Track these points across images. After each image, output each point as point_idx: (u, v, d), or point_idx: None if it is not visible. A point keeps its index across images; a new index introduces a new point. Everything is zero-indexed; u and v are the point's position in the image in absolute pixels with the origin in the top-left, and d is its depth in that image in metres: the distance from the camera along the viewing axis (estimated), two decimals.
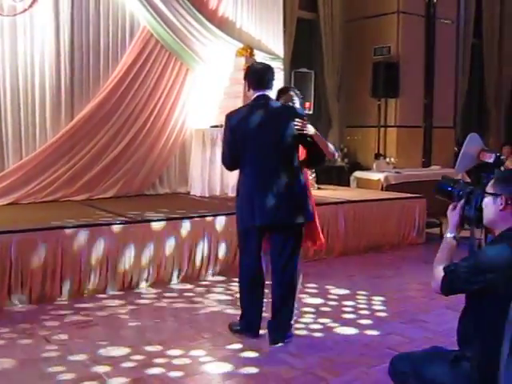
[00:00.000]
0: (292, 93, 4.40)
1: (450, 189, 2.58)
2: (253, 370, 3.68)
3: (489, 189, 2.35)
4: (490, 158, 2.50)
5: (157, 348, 3.99)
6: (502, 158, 2.55)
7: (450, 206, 2.52)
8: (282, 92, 4.43)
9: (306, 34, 10.61)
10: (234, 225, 4.33)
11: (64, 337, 4.21)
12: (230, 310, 4.79)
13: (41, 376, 3.55)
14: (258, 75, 4.13)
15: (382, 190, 8.87)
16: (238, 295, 4.41)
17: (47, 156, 6.82)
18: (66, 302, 5.01)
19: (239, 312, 4.27)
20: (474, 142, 2.57)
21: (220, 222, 5.91)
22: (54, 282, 5.04)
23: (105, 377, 3.53)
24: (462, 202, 2.47)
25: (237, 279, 4.36)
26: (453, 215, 2.50)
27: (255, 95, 4.10)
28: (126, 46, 7.46)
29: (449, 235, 2.49)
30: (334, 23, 10.57)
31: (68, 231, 5.14)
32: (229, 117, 4.07)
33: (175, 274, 5.62)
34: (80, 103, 7.11)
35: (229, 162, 4.16)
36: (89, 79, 7.19)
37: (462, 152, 2.59)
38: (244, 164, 4.05)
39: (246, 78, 4.18)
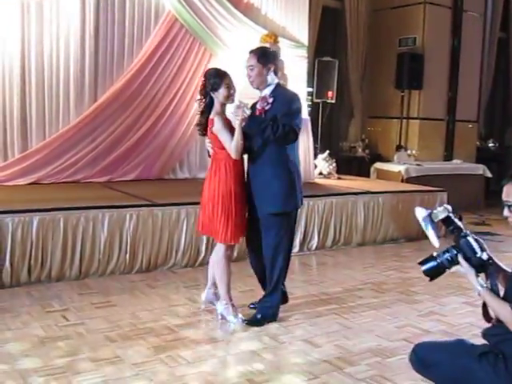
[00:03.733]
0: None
1: (436, 263, 2.45)
2: (269, 356, 3.70)
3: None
4: (442, 215, 2.46)
5: (172, 330, 4.04)
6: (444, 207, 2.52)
7: (460, 269, 2.42)
8: (222, 78, 4.11)
9: (331, 22, 10.54)
10: None
11: (82, 315, 4.27)
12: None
13: (59, 354, 3.59)
14: (277, 60, 4.21)
15: (402, 182, 8.83)
16: None
17: (70, 137, 6.85)
18: (85, 282, 5.08)
19: None
20: (421, 213, 2.52)
21: None
22: (73, 262, 5.11)
23: (121, 356, 3.58)
24: (461, 258, 2.38)
25: None
26: (466, 274, 2.38)
27: (277, 80, 4.19)
28: (151, 30, 7.44)
29: (480, 290, 2.34)
30: (360, 12, 10.50)
31: (88, 212, 5.19)
32: (299, 99, 4.16)
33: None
34: (103, 86, 7.13)
35: (296, 139, 4.11)
36: (112, 62, 7.19)
37: (426, 231, 2.54)
38: (293, 146, 4.14)
39: (272, 61, 4.15)
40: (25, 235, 4.88)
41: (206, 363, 3.58)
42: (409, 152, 9.87)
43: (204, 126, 4.16)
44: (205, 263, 5.69)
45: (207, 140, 4.20)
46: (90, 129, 6.99)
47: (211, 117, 4.08)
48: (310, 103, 9.06)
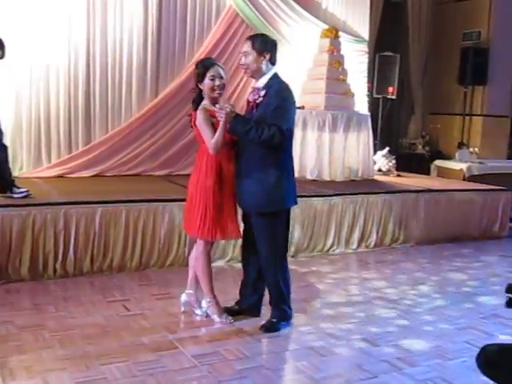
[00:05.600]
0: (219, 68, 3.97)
1: None
2: (327, 354, 3.68)
3: None
4: None
5: (231, 323, 4.06)
6: None
7: None
8: (206, 69, 3.92)
9: (392, 16, 10.33)
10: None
11: (143, 306, 4.35)
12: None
13: (120, 343, 3.68)
14: (276, 49, 3.98)
15: (463, 180, 8.62)
16: None
17: (132, 131, 6.99)
18: (145, 273, 5.17)
19: None
20: None
21: None
22: (134, 253, 5.21)
23: (180, 347, 3.63)
24: None
25: None
26: None
27: (274, 71, 3.93)
28: (212, 25, 7.51)
29: None
30: (423, 6, 10.29)
31: (149, 205, 5.28)
32: (291, 91, 3.93)
33: None
34: (165, 80, 7.23)
35: (290, 137, 3.89)
36: (174, 57, 7.28)
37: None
38: (287, 141, 3.92)
39: (269, 49, 3.88)
40: (88, 226, 5.01)
41: (263, 358, 3.60)
42: (471, 149, 9.61)
43: (190, 118, 4.00)
44: None
45: None
46: (152, 123, 7.11)
47: (197, 111, 3.90)
48: (369, 99, 8.95)
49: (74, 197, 5.27)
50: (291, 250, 5.93)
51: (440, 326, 4.25)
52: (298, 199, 5.83)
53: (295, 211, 5.89)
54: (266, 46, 3.89)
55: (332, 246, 6.20)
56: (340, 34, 7.97)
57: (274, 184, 3.85)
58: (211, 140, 3.80)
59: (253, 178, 3.86)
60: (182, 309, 4.22)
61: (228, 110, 3.69)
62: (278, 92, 3.83)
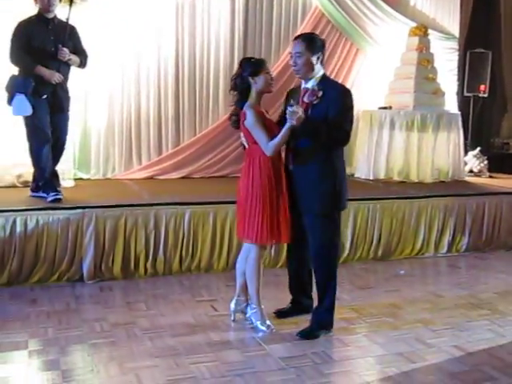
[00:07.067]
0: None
1: None
2: (417, 360, 3.58)
3: None
4: None
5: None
6: None
7: None
8: (262, 64, 3.87)
9: (484, 11, 9.94)
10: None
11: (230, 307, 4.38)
12: None
13: (209, 342, 3.73)
14: (325, 49, 3.90)
15: None
16: None
17: (219, 133, 7.10)
18: (231, 274, 5.20)
19: None
20: None
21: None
22: (221, 254, 5.29)
23: (268, 349, 3.64)
24: None
25: None
26: None
27: (323, 71, 3.86)
28: (298, 26, 7.51)
29: None
30: None
31: (235, 206, 5.31)
32: (351, 94, 3.84)
33: None
34: None
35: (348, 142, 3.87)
36: None
37: None
38: None
39: (321, 49, 3.81)
40: (177, 227, 5.13)
41: (351, 362, 3.55)
42: None
43: (237, 118, 3.88)
44: (349, 261, 5.68)
45: (242, 133, 3.91)
46: None
47: (244, 109, 3.78)
48: (459, 97, 8.67)
49: (163, 198, 5.41)
50: (379, 252, 5.85)
51: None
52: (386, 201, 5.90)
53: (382, 213, 5.82)
54: (318, 46, 3.82)
55: (421, 249, 6.05)
56: (429, 31, 7.78)
57: (335, 186, 3.81)
58: (268, 142, 3.71)
59: (314, 180, 3.79)
60: (233, 317, 4.10)
61: (301, 115, 3.60)
62: (339, 95, 3.77)
